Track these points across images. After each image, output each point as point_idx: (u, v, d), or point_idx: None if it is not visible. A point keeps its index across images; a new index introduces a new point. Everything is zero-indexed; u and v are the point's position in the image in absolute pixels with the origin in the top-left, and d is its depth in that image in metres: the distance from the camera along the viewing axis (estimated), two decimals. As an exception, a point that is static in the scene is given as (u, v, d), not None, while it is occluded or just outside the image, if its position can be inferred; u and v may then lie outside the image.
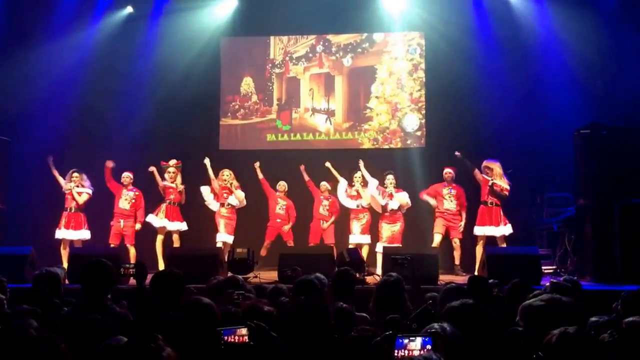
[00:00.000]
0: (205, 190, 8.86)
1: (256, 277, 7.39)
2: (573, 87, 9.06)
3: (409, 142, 10.32)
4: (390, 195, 8.45)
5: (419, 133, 10.29)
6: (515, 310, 3.58)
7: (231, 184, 8.76)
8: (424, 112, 10.28)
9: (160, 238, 8.64)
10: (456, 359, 2.31)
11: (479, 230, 8.23)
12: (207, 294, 3.70)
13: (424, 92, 10.28)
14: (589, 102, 8.89)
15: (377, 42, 10.48)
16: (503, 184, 8.16)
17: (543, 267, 7.41)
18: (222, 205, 8.80)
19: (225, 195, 8.78)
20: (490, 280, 4.43)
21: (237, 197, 8.77)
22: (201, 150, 9.94)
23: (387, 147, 10.34)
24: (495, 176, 8.19)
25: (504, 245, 8.13)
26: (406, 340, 2.28)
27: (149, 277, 4.03)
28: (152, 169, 8.64)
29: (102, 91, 9.72)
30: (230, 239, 8.74)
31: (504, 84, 9.36)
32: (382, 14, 10.19)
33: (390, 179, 8.51)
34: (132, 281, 5.74)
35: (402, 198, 8.46)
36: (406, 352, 2.26)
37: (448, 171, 8.57)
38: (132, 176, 8.72)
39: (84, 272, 3.56)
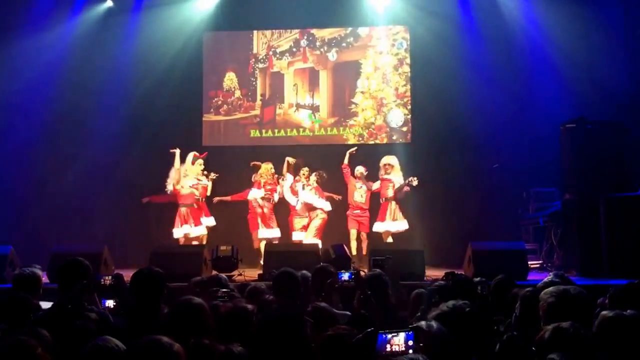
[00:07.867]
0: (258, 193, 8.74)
1: (241, 274, 7.30)
2: (559, 81, 9.07)
3: (394, 137, 10.25)
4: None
5: (404, 128, 10.23)
6: (499, 306, 3.53)
7: (275, 175, 8.78)
8: (409, 107, 10.21)
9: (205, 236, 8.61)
10: (439, 357, 2.29)
11: (381, 227, 8.51)
12: (189, 293, 3.61)
13: (410, 87, 10.21)
14: (575, 96, 8.90)
15: (362, 37, 10.39)
16: (401, 179, 8.53)
17: (529, 262, 7.40)
18: (268, 200, 8.71)
19: (270, 189, 8.70)
20: (477, 279, 4.39)
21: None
22: (184, 146, 9.81)
23: (372, 142, 10.27)
24: (395, 172, 8.56)
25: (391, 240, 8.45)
26: (389, 336, 2.27)
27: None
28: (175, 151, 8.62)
29: (82, 86, 9.56)
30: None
31: (490, 78, 9.32)
32: (367, 8, 10.10)
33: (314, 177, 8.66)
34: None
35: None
36: (390, 347, 2.25)
37: (362, 169, 8.74)
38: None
39: (60, 271, 3.53)
